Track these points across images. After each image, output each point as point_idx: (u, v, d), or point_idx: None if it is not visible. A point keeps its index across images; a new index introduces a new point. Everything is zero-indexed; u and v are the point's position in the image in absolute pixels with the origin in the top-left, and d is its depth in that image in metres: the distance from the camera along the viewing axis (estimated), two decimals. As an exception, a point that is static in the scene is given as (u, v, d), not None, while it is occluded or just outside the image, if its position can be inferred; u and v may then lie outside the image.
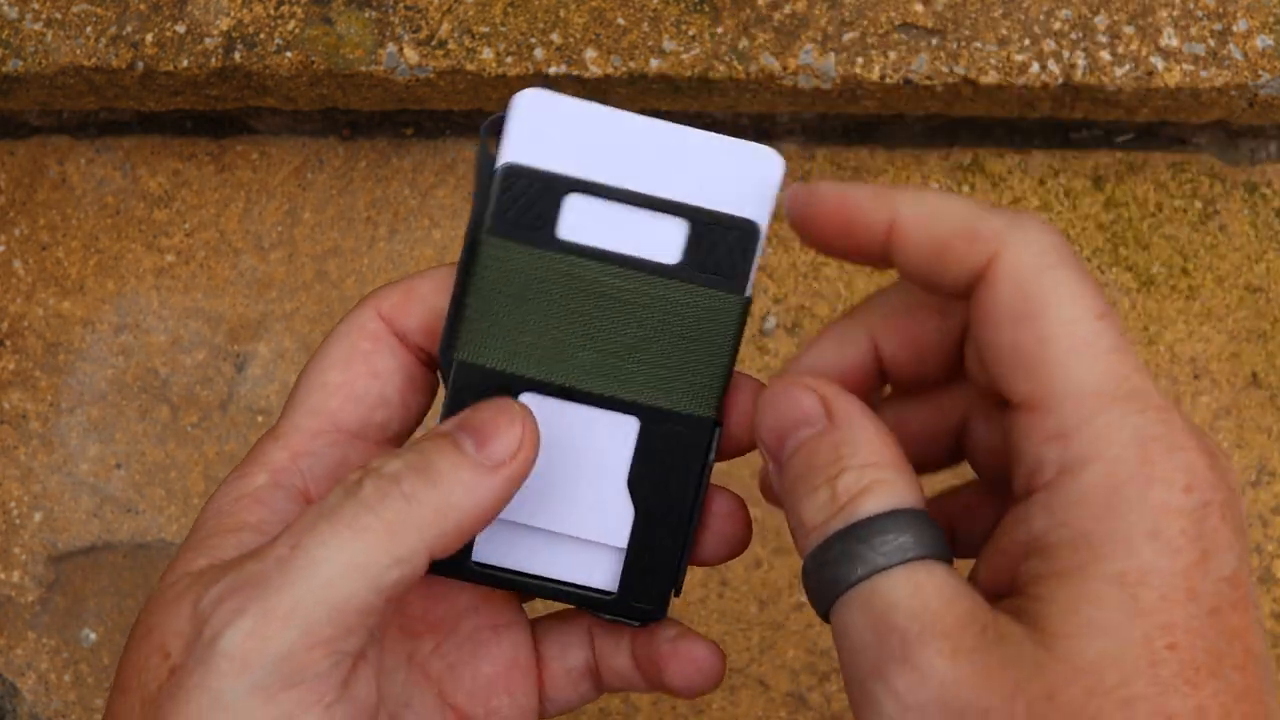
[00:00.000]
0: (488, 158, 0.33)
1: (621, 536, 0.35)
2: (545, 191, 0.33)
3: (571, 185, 0.33)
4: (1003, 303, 0.29)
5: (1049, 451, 0.28)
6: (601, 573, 0.35)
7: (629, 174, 0.33)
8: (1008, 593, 0.29)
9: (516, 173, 0.33)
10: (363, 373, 0.34)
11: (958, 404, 0.34)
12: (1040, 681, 0.26)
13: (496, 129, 0.33)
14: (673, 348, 0.34)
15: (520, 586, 0.35)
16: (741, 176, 0.33)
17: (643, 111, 0.34)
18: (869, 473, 0.29)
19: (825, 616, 0.30)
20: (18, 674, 0.64)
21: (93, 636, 0.64)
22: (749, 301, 0.34)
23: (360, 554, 0.29)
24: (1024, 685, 0.26)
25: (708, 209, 0.33)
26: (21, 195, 0.68)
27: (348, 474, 0.31)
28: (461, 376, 0.33)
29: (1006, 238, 0.29)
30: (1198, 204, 0.65)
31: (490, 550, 0.35)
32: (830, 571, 0.29)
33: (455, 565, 0.35)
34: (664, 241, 0.34)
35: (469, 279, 0.33)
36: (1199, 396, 0.63)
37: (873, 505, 0.29)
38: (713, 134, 0.33)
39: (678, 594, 0.36)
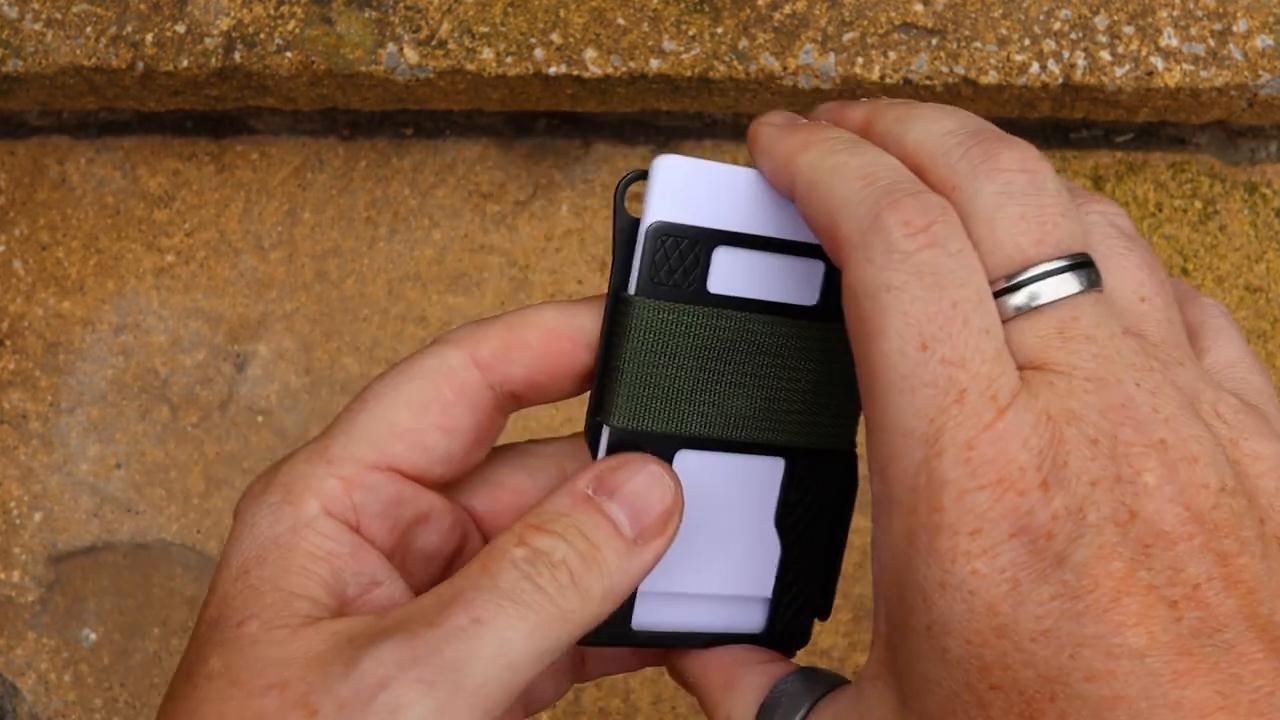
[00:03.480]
0: (627, 217, 0.33)
1: (768, 583, 0.35)
2: (694, 247, 0.33)
3: (719, 238, 0.33)
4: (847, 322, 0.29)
5: (875, 485, 0.28)
6: (749, 616, 0.36)
7: (767, 223, 0.33)
8: None
9: (666, 230, 0.32)
10: (437, 424, 0.32)
11: None
12: None
13: (629, 184, 0.33)
14: (817, 387, 0.34)
15: (674, 643, 0.35)
16: None
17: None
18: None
19: None
20: (18, 674, 0.64)
21: (93, 636, 0.64)
22: None
23: (541, 641, 0.28)
24: None
25: None
26: (21, 195, 0.68)
27: (507, 546, 0.29)
28: (616, 441, 0.33)
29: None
30: (1198, 204, 0.65)
31: (647, 614, 0.35)
32: None
33: (617, 634, 0.34)
34: (804, 284, 0.34)
35: (623, 341, 0.32)
36: (1199, 396, 0.64)
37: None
38: None
39: (824, 619, 0.36)
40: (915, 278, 0.27)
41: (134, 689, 0.64)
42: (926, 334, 0.26)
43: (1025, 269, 0.27)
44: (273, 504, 0.31)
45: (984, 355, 0.26)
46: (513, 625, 0.28)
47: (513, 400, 0.33)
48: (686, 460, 0.34)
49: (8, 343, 0.66)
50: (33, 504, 0.65)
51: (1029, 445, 0.25)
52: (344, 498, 0.31)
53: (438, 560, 0.34)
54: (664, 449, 0.33)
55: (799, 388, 0.34)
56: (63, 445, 0.65)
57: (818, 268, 0.34)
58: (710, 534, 0.35)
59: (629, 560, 0.30)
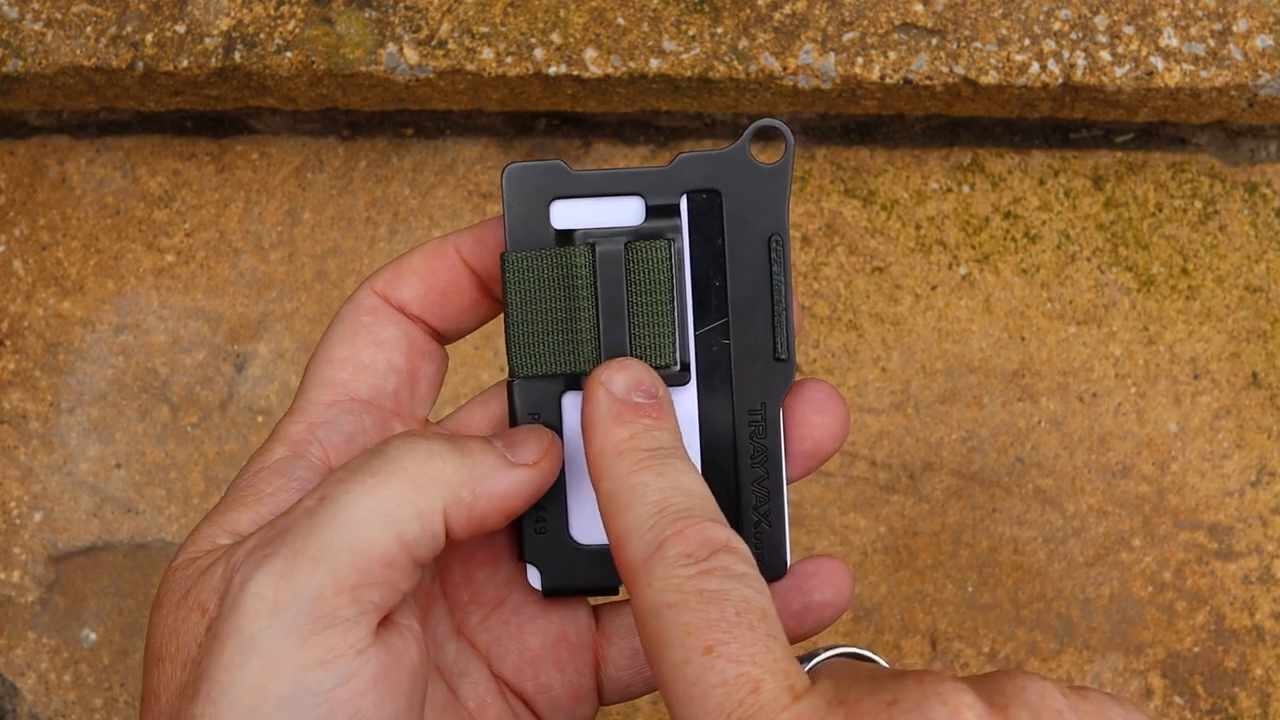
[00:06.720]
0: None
1: None
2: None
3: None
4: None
5: None
6: None
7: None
8: None
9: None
10: (367, 343, 0.35)
11: None
12: None
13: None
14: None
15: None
16: None
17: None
18: None
19: None
20: (18, 674, 0.64)
21: (93, 636, 0.64)
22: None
23: (383, 502, 0.30)
24: None
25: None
26: (21, 195, 0.68)
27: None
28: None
29: None
30: (1198, 204, 0.65)
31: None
32: None
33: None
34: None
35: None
36: (1199, 396, 0.63)
37: None
38: None
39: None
40: (695, 595, 0.27)
41: (134, 689, 0.64)
42: (710, 639, 0.27)
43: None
44: (251, 459, 0.34)
45: (774, 654, 0.27)
46: (350, 491, 0.30)
47: (421, 324, 0.36)
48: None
49: (8, 343, 0.67)
50: (33, 504, 0.65)
51: None
52: (309, 437, 0.34)
53: None
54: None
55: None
56: (63, 445, 0.65)
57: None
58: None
59: (496, 460, 0.32)
